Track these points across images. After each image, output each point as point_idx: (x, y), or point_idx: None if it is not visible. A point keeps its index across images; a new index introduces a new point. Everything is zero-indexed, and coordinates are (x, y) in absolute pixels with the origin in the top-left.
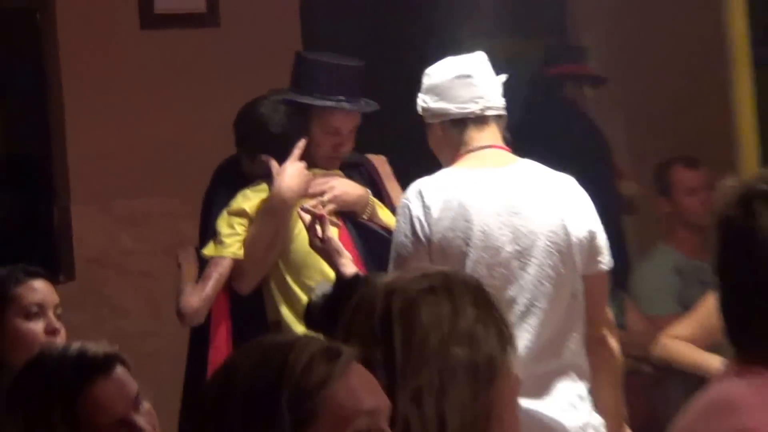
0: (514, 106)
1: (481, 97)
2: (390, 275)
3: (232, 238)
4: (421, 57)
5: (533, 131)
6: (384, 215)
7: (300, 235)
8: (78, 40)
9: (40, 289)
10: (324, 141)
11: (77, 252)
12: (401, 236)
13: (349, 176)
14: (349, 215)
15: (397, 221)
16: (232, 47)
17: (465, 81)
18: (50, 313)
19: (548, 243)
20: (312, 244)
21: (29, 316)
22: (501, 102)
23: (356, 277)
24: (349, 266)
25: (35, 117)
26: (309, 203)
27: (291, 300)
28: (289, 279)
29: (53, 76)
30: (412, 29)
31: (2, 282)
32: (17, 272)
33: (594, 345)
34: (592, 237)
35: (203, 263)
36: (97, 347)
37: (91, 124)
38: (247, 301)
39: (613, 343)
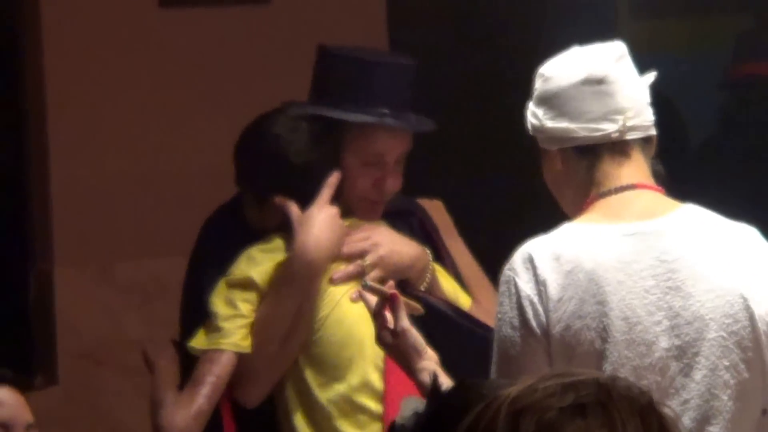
0: (682, 123)
1: (621, 113)
2: (517, 385)
3: (233, 321)
4: (537, 44)
5: (716, 161)
6: (447, 285)
7: (330, 318)
8: (66, 19)
9: (6, 402)
10: (361, 175)
11: (62, 342)
12: (506, 327)
13: (395, 229)
14: (400, 286)
15: (500, 304)
16: (290, 32)
17: (597, 88)
18: None
19: (723, 334)
20: (380, 339)
21: None
22: (649, 117)
23: (462, 386)
24: (434, 370)
25: (3, 137)
26: (341, 269)
27: (315, 418)
28: (312, 385)
29: (32, 73)
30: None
31: None
32: None
33: None
34: None
35: (190, 361)
36: None
37: (84, 146)
38: (253, 419)
39: None
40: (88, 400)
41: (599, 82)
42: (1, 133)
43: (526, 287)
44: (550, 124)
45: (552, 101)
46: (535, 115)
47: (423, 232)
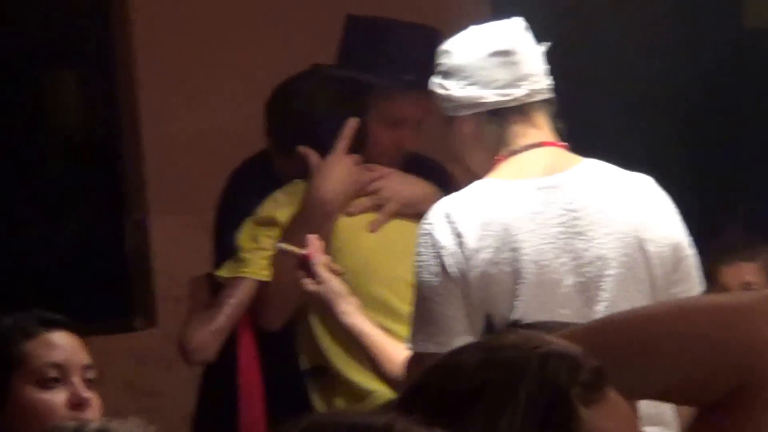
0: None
1: (526, 78)
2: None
3: (256, 254)
4: None
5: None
6: None
7: (344, 249)
8: None
9: (60, 345)
10: (382, 136)
11: (159, 286)
12: (425, 273)
13: (415, 174)
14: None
15: (419, 254)
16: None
17: (504, 59)
18: (76, 379)
19: (622, 270)
20: (303, 287)
21: (45, 383)
22: (548, 81)
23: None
24: (353, 315)
25: (96, 89)
26: (359, 202)
27: (339, 338)
28: None
29: (120, 33)
30: None
31: (5, 335)
32: (27, 321)
33: None
34: (678, 257)
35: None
36: (121, 427)
37: (174, 95)
38: (276, 343)
39: None
40: None
41: (506, 53)
42: (93, 90)
43: (445, 239)
44: (459, 93)
45: (460, 72)
46: (442, 86)
47: (441, 176)
